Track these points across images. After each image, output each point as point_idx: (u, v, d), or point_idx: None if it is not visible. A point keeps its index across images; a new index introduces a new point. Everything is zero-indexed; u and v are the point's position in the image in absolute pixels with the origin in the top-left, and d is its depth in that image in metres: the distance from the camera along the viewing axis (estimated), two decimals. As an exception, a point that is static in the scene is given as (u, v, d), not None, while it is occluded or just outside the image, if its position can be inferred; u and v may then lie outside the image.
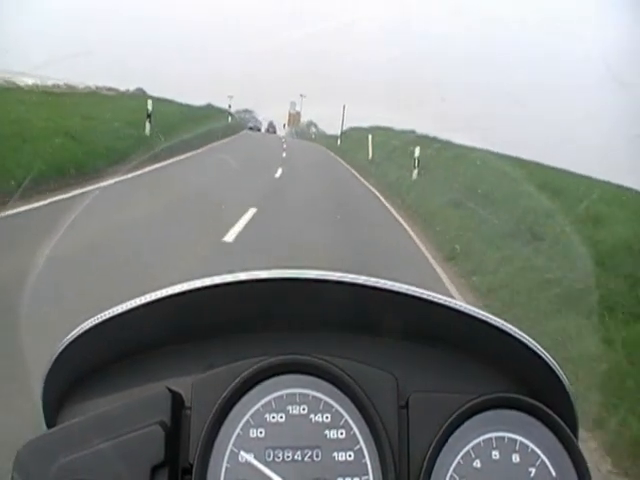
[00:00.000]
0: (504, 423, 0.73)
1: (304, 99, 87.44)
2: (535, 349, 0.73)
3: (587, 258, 6.86)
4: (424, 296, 0.72)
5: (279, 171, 16.19)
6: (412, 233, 10.36)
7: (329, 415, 0.71)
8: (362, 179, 19.26)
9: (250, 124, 47.33)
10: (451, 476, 0.71)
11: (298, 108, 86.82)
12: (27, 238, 5.81)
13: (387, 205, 13.70)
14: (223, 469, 0.69)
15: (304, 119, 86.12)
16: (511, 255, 8.11)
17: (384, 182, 16.80)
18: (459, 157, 15.89)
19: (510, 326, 0.73)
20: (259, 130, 50.44)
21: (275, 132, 71.95)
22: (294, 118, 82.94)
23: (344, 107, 35.98)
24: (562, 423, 0.72)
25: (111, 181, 9.59)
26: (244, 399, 0.71)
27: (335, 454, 0.70)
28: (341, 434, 0.71)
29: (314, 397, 0.72)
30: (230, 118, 31.57)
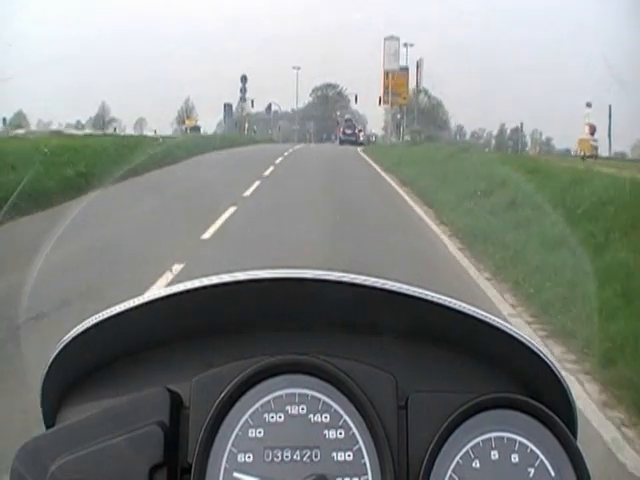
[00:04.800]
0: (503, 423, 0.72)
1: (410, 49, 39.89)
2: (535, 349, 0.73)
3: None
4: (424, 296, 0.72)
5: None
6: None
7: (328, 415, 0.71)
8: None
9: None
10: (450, 476, 0.71)
11: (401, 62, 39.83)
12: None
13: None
14: (222, 469, 0.69)
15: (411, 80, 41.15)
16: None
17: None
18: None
19: (510, 326, 0.73)
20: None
21: (357, 138, 36.64)
22: (397, 82, 38.54)
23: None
24: (561, 423, 0.72)
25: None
26: (243, 399, 0.71)
27: (334, 454, 0.70)
28: (340, 434, 0.71)
29: (313, 397, 0.72)
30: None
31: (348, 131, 37.11)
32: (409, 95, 41.82)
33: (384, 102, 40.40)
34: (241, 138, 31.69)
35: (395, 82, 38.92)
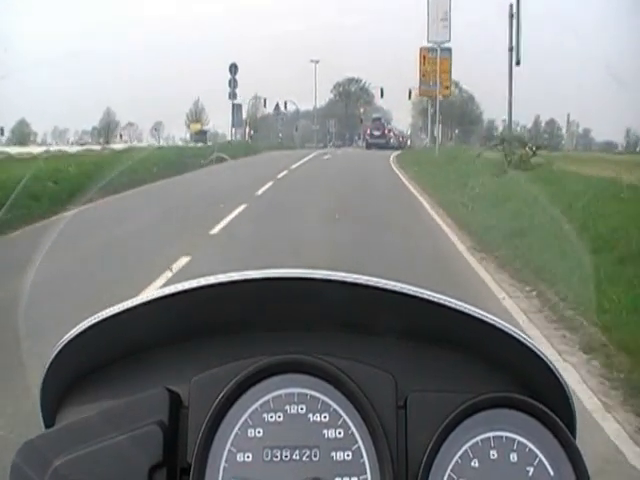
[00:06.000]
0: (502, 422, 0.72)
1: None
2: (534, 349, 0.73)
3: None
4: (423, 296, 0.72)
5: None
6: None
7: (327, 415, 0.72)
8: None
9: None
10: (449, 475, 0.71)
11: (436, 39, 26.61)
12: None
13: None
14: (221, 469, 0.69)
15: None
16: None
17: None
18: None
19: (509, 326, 0.73)
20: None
21: (387, 140, 30.54)
22: (440, 67, 26.70)
23: None
24: (560, 423, 0.72)
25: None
26: (242, 399, 0.72)
27: (333, 453, 0.70)
28: (339, 433, 0.71)
29: (312, 397, 0.72)
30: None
31: (376, 132, 30.84)
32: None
33: (421, 93, 29.72)
34: (237, 148, 25.26)
35: (440, 67, 27.02)
